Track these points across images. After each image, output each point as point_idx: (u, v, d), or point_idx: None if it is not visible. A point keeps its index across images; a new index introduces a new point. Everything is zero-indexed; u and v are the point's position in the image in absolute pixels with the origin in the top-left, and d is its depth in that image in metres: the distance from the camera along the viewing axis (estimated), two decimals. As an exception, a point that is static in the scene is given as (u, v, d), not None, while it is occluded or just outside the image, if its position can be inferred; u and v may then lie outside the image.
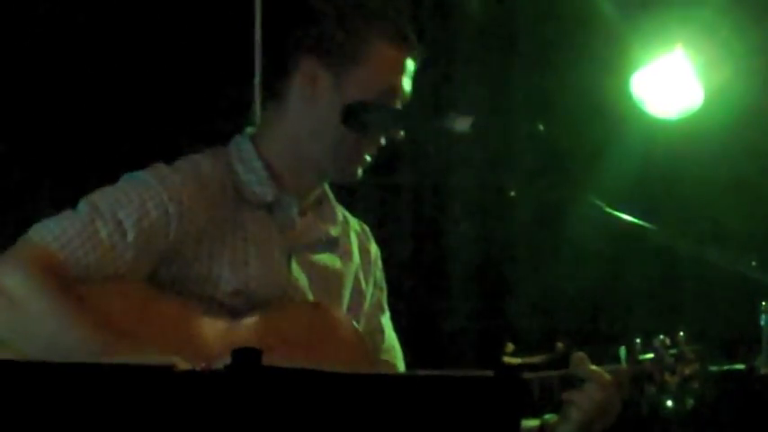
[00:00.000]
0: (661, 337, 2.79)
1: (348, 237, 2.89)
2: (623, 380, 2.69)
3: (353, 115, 2.68)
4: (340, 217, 2.88)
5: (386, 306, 2.95)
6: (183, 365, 2.21)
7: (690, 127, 4.16)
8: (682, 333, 2.81)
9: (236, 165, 2.73)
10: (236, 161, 2.74)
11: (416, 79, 2.75)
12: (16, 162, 3.62)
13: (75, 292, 2.47)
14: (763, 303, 2.77)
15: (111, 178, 2.66)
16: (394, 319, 2.97)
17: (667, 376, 2.76)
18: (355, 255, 2.89)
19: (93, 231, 2.53)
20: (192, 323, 2.58)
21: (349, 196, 3.02)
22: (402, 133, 2.74)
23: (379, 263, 2.96)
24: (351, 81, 2.70)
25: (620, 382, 2.66)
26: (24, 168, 3.63)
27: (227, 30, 3.63)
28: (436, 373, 1.98)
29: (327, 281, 2.79)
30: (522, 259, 4.47)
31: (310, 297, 2.74)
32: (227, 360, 1.78)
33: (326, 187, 2.85)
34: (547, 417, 2.64)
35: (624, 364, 2.74)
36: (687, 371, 2.78)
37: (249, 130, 2.80)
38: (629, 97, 4.14)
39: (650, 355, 2.77)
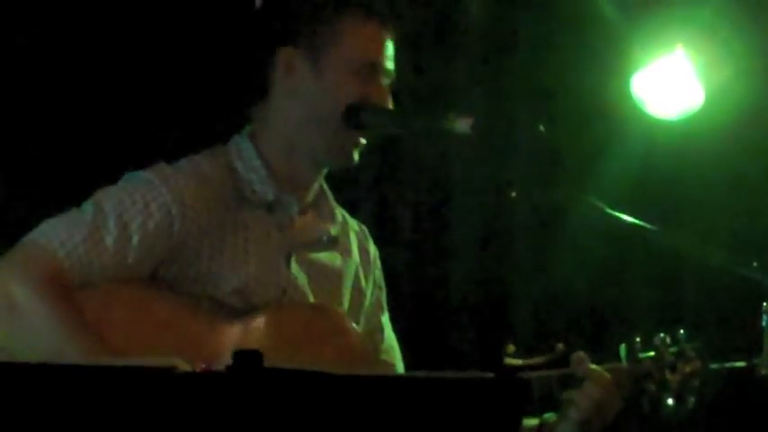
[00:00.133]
0: (661, 335, 2.79)
1: (347, 236, 2.89)
2: (623, 378, 2.69)
3: (353, 115, 2.69)
4: (339, 217, 2.88)
5: (385, 306, 2.95)
6: (183, 367, 2.20)
7: (690, 127, 4.16)
8: (682, 331, 2.81)
9: (236, 164, 2.74)
10: (237, 160, 2.74)
11: (416, 80, 2.75)
12: (16, 162, 3.61)
13: (77, 303, 2.48)
14: (765, 304, 2.77)
15: (111, 178, 2.66)
16: (394, 319, 2.97)
17: (668, 374, 2.76)
18: (355, 254, 2.89)
19: (99, 238, 2.53)
20: (192, 323, 2.58)
21: (348, 195, 3.02)
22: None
23: (378, 262, 2.97)
24: (328, 64, 2.70)
25: (620, 381, 2.66)
26: (24, 168, 3.62)
27: (226, 29, 3.62)
28: (437, 374, 1.98)
29: (327, 280, 2.80)
30: (523, 260, 4.46)
31: (310, 296, 2.74)
32: (228, 361, 1.78)
33: (326, 187, 2.85)
34: (546, 416, 2.65)
35: (624, 363, 2.74)
36: (688, 369, 2.78)
37: (248, 128, 2.80)
38: (629, 98, 4.14)
39: (651, 354, 2.77)
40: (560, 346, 2.63)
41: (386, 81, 2.74)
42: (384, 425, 1.88)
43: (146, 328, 2.53)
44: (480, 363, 3.41)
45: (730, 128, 4.19)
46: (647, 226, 2.79)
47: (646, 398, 2.75)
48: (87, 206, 2.58)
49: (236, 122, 2.83)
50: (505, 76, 4.43)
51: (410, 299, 4.21)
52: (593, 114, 4.31)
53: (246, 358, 1.76)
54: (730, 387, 3.00)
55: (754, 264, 2.78)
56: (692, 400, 2.78)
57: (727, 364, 2.83)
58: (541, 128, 2.65)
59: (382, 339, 2.90)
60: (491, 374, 1.99)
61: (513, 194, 2.84)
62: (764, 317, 2.77)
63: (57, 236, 2.51)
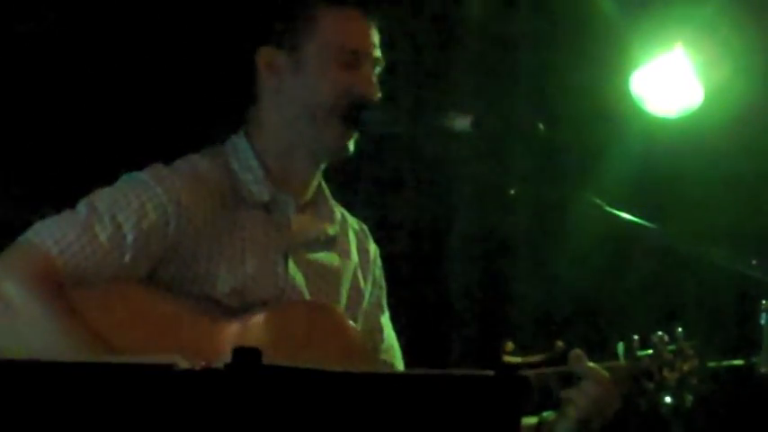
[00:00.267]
0: (659, 333, 2.79)
1: (346, 236, 2.89)
2: (622, 376, 2.69)
3: (354, 113, 2.68)
4: (338, 215, 2.88)
5: (385, 305, 2.95)
6: (183, 364, 2.21)
7: (690, 125, 4.16)
8: (680, 329, 2.81)
9: (233, 164, 2.73)
10: (233, 160, 2.74)
11: (416, 79, 2.75)
12: (14, 162, 3.61)
13: (71, 301, 2.48)
14: (764, 302, 2.77)
15: (110, 178, 2.66)
16: (394, 318, 2.97)
17: (666, 372, 2.76)
18: (353, 253, 2.89)
19: (92, 236, 2.53)
20: (190, 323, 2.58)
21: (348, 195, 3.02)
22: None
23: (379, 262, 2.96)
24: (307, 58, 2.70)
25: (618, 379, 2.66)
26: (23, 168, 3.62)
27: (224, 28, 3.63)
28: (437, 372, 1.98)
29: (325, 279, 2.80)
30: (522, 258, 4.47)
31: (307, 296, 2.74)
32: (228, 359, 1.78)
33: (324, 186, 2.85)
34: (545, 414, 2.65)
35: (622, 361, 2.74)
36: (686, 367, 2.78)
37: (245, 127, 2.80)
38: (628, 96, 4.14)
39: (649, 352, 2.77)
40: (559, 344, 2.63)
41: (371, 69, 2.71)
42: (384, 422, 1.88)
43: (144, 327, 2.53)
44: (480, 360, 3.41)
45: (729, 126, 4.19)
46: (647, 224, 2.79)
47: (644, 396, 2.75)
48: (81, 206, 2.58)
49: (234, 121, 2.83)
50: (505, 74, 4.43)
51: (410, 297, 4.21)
52: (593, 112, 4.31)
53: (246, 355, 1.76)
54: (729, 385, 3.00)
55: (753, 262, 2.78)
56: (689, 398, 2.78)
57: (725, 363, 2.83)
58: (541, 126, 2.65)
59: (382, 339, 2.90)
60: (491, 372, 1.99)
61: (513, 192, 2.84)
62: (763, 315, 2.77)
63: (50, 235, 2.51)
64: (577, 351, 2.64)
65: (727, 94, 4.11)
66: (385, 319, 2.93)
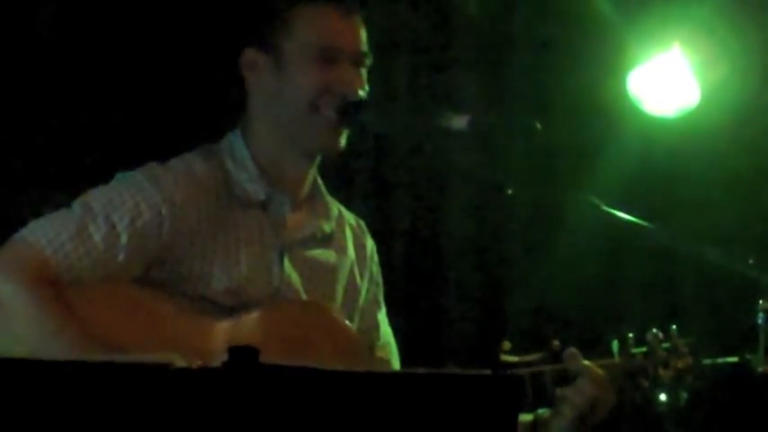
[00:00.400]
0: (654, 330, 2.79)
1: (343, 232, 2.89)
2: (616, 374, 2.70)
3: (352, 113, 2.68)
4: (335, 211, 2.87)
5: (382, 301, 2.95)
6: (180, 363, 2.21)
7: (687, 125, 4.17)
8: (674, 326, 2.81)
9: (227, 163, 2.73)
10: (228, 159, 2.74)
11: (414, 78, 2.75)
12: (13, 161, 3.61)
13: (65, 299, 2.48)
14: (761, 302, 2.77)
15: (105, 177, 2.66)
16: (391, 317, 2.97)
17: (660, 370, 2.76)
18: (350, 250, 2.89)
19: (86, 236, 2.53)
20: (186, 323, 2.58)
21: (345, 194, 3.02)
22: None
23: (376, 258, 2.96)
24: (287, 57, 2.70)
25: (613, 377, 2.66)
26: (21, 168, 3.62)
27: (214, 28, 3.63)
28: (433, 370, 1.98)
29: (320, 277, 2.79)
30: (520, 257, 4.47)
31: (303, 294, 2.74)
32: (224, 357, 1.78)
33: (320, 182, 2.85)
34: (540, 411, 2.65)
35: (617, 358, 2.74)
36: (680, 364, 2.78)
37: (241, 126, 2.80)
38: (626, 95, 4.14)
39: (643, 349, 2.77)
40: (555, 342, 2.63)
41: (351, 65, 2.70)
42: (381, 421, 1.88)
43: (140, 327, 2.53)
44: (477, 359, 3.42)
45: (726, 126, 4.19)
46: (644, 223, 2.79)
47: (638, 393, 2.75)
48: (76, 206, 2.58)
49: (232, 119, 2.83)
50: (503, 73, 4.44)
51: (407, 295, 4.21)
52: (590, 112, 4.31)
53: (242, 354, 1.76)
54: (724, 383, 3.00)
55: (750, 261, 2.78)
56: (684, 395, 2.78)
57: (720, 360, 2.83)
58: (538, 125, 2.65)
59: (378, 336, 2.90)
60: (488, 371, 1.99)
61: (510, 192, 2.84)
62: (760, 314, 2.77)
63: (44, 234, 2.51)
64: (573, 349, 2.65)
65: (725, 93, 4.11)
66: (381, 316, 2.93)
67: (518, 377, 2.51)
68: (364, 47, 2.72)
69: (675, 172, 4.37)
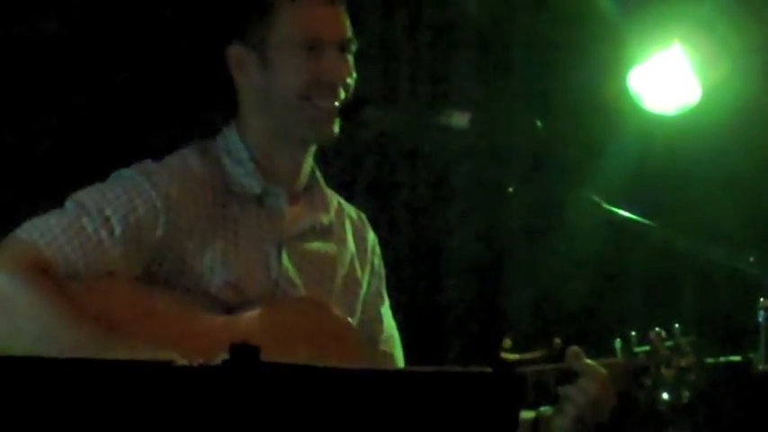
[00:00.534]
0: (656, 329, 2.79)
1: (343, 224, 2.88)
2: (618, 373, 2.70)
3: (354, 111, 2.68)
4: (334, 203, 2.87)
5: (385, 294, 2.94)
6: (180, 361, 2.21)
7: (687, 123, 4.16)
8: (677, 325, 2.81)
9: (223, 158, 2.73)
10: (224, 154, 2.74)
11: (414, 76, 2.75)
12: (11, 162, 3.62)
13: (66, 289, 2.47)
14: (762, 300, 2.77)
15: (100, 176, 2.67)
16: (392, 315, 2.96)
17: (663, 369, 2.76)
18: (350, 242, 2.88)
19: (79, 228, 2.53)
20: (187, 318, 2.58)
21: (346, 191, 3.02)
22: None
23: (377, 250, 2.95)
24: (271, 51, 2.70)
25: (615, 376, 2.66)
26: (19, 168, 3.63)
27: (204, 26, 3.63)
28: (435, 368, 1.98)
29: (319, 270, 2.79)
30: (520, 255, 4.47)
31: (301, 288, 2.74)
32: (225, 356, 1.78)
33: (318, 174, 2.84)
34: (542, 409, 2.65)
35: (620, 357, 2.74)
36: (683, 363, 2.78)
37: (236, 121, 2.80)
38: (626, 93, 4.14)
39: (646, 348, 2.77)
40: (557, 340, 2.63)
41: (337, 53, 2.69)
42: (382, 419, 1.88)
43: (141, 323, 2.53)
44: (478, 357, 3.42)
45: (727, 124, 4.19)
46: (644, 221, 2.79)
47: (641, 392, 2.75)
48: (69, 203, 2.58)
49: (227, 115, 2.83)
50: (503, 71, 4.44)
51: (408, 293, 4.21)
52: (591, 110, 4.31)
53: (243, 352, 1.76)
54: (726, 381, 3.00)
55: (751, 259, 2.78)
56: (687, 394, 2.78)
57: (723, 359, 2.83)
58: (539, 123, 2.65)
59: (381, 329, 2.89)
60: (489, 369, 1.99)
61: (511, 189, 2.84)
62: (761, 312, 2.77)
63: (36, 229, 2.51)
64: (575, 348, 2.65)
65: (725, 91, 4.11)
66: (384, 309, 2.92)
67: (519, 375, 2.51)
68: (349, 33, 2.72)
69: (676, 170, 4.37)
